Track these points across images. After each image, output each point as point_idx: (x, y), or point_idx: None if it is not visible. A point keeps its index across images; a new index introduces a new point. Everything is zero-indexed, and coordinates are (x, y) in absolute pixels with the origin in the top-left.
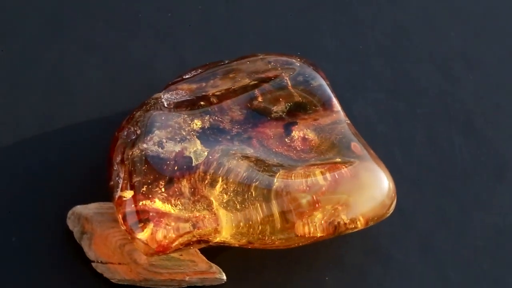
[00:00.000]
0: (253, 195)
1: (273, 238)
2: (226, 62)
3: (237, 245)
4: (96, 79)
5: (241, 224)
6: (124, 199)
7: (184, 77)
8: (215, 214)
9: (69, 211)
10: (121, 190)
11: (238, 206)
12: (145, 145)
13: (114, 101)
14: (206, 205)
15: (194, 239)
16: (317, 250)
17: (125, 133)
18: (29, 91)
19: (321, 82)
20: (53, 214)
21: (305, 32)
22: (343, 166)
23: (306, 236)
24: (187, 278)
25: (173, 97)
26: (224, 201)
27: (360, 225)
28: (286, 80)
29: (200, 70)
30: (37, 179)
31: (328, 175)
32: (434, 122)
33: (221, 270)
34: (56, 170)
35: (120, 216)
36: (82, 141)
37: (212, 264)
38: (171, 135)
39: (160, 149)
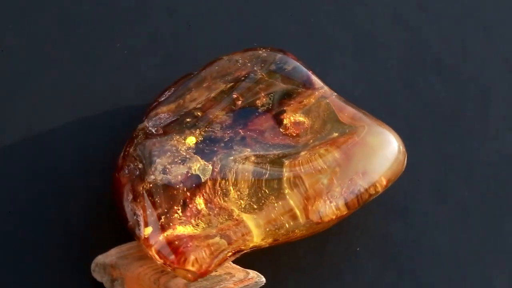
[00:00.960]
0: (267, 192)
1: (296, 231)
2: (195, 73)
3: (266, 246)
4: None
5: (264, 223)
6: (150, 235)
7: (159, 100)
8: (240, 221)
9: (92, 264)
10: (148, 233)
11: (255, 207)
12: (152, 177)
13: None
14: (227, 215)
15: (230, 252)
16: (340, 223)
17: (126, 171)
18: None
19: (294, 64)
20: (75, 269)
21: (256, 23)
22: (346, 138)
23: (331, 219)
24: None
25: (157, 122)
26: (243, 206)
27: (380, 187)
28: (259, 72)
29: (173, 89)
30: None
31: (335, 151)
32: (407, 70)
33: (258, 273)
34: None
35: (154, 253)
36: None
37: (248, 270)
38: (171, 159)
39: (167, 176)
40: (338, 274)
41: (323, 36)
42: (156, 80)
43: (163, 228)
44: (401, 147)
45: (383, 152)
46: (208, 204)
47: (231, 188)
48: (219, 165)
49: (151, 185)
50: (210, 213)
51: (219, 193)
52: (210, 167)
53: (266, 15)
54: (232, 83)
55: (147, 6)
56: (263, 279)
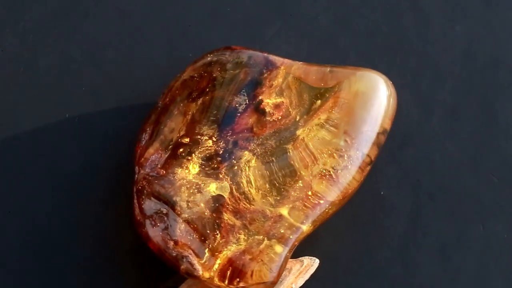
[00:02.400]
0: (281, 180)
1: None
2: (159, 104)
3: (310, 232)
4: None
5: (294, 210)
6: (207, 269)
7: (141, 144)
8: (278, 216)
9: None
10: (203, 268)
11: (279, 198)
12: (184, 215)
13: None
14: (262, 216)
15: (287, 248)
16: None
17: (152, 222)
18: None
19: (247, 53)
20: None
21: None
22: (335, 99)
23: (358, 179)
24: (293, 286)
25: (153, 165)
26: (272, 202)
27: (388, 126)
28: (220, 76)
29: (148, 129)
30: None
31: (334, 113)
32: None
33: (310, 257)
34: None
35: (220, 283)
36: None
37: (301, 258)
38: (189, 191)
39: (193, 209)
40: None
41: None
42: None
43: (215, 258)
44: (388, 82)
45: (376, 93)
46: (237, 215)
47: (252, 191)
48: (229, 178)
49: (187, 223)
50: (244, 222)
51: (241, 199)
52: (225, 182)
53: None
54: (201, 98)
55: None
56: (317, 261)
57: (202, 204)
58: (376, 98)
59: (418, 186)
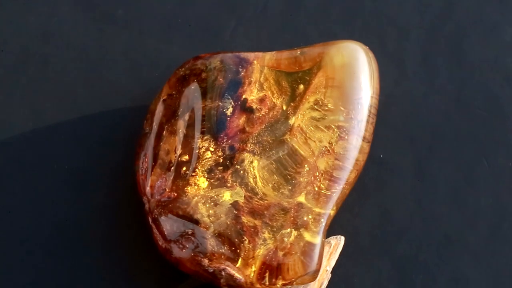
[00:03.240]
0: (288, 170)
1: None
2: (146, 129)
3: (334, 215)
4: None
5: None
6: (247, 277)
7: (140, 173)
8: (297, 204)
9: None
10: (244, 276)
11: (291, 188)
12: (211, 230)
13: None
14: (281, 209)
15: (318, 233)
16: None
17: (180, 245)
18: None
19: (218, 57)
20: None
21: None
22: (320, 79)
23: (368, 144)
24: (328, 268)
25: (161, 190)
26: (287, 193)
27: (377, 89)
28: (198, 87)
29: (142, 156)
30: None
31: (324, 93)
32: None
33: (335, 236)
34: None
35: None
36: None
37: (327, 240)
38: (206, 206)
39: (218, 222)
40: None
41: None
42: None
43: (249, 265)
44: (363, 46)
45: (359, 61)
46: (255, 215)
47: (261, 186)
48: (237, 182)
49: (213, 240)
50: (264, 220)
51: (253, 198)
52: (237, 187)
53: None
54: (188, 114)
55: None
56: (342, 238)
57: (223, 215)
58: (360, 65)
59: (413, 141)
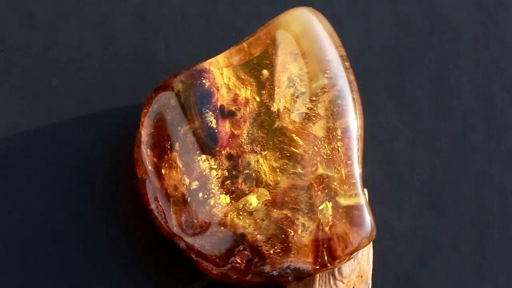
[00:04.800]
0: (293, 150)
1: None
2: (144, 177)
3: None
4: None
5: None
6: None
7: (159, 220)
8: (319, 177)
9: None
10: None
11: (303, 163)
12: (261, 238)
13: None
14: (301, 189)
15: (363, 194)
16: None
17: (236, 264)
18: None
19: (175, 80)
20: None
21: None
22: (280, 58)
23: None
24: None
25: (189, 224)
26: (301, 171)
27: (342, 48)
28: (175, 115)
29: (151, 204)
30: None
31: (288, 68)
32: None
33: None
34: None
35: (331, 265)
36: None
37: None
38: (243, 219)
39: (261, 227)
40: None
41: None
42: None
43: (305, 252)
44: (312, 11)
45: (314, 26)
46: (278, 206)
47: (269, 174)
48: (253, 185)
49: (266, 246)
50: (289, 207)
51: (271, 191)
52: (260, 188)
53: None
54: (177, 143)
55: None
56: (365, 190)
57: (261, 219)
58: (317, 25)
59: (387, 85)
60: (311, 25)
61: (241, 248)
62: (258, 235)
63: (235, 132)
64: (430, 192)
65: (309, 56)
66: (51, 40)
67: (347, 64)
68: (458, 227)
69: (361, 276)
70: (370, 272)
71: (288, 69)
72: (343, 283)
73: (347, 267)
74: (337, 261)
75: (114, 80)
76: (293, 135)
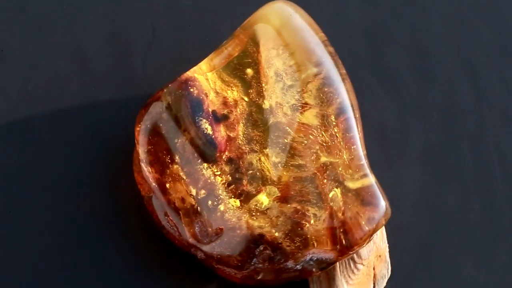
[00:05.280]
0: (292, 143)
1: None
2: (149, 195)
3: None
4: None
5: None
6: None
7: (174, 234)
8: (323, 165)
9: None
10: (329, 252)
11: (302, 155)
12: (279, 235)
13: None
14: (305, 180)
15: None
16: None
17: (259, 265)
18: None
19: (164, 93)
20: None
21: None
22: (264, 54)
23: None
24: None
25: (204, 234)
26: (302, 163)
27: (323, 34)
28: (170, 128)
29: (162, 219)
30: None
31: (274, 64)
32: None
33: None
34: None
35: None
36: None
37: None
38: (257, 220)
39: (277, 224)
40: None
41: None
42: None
43: (324, 241)
44: (287, 2)
45: (291, 17)
46: (288, 200)
47: (272, 171)
48: (260, 184)
49: (285, 241)
50: (296, 200)
51: (276, 186)
52: (267, 187)
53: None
54: (176, 155)
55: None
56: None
57: (276, 217)
58: (296, 16)
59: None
60: (290, 16)
61: (261, 248)
62: (276, 233)
63: (231, 135)
64: (429, 161)
65: (293, 47)
66: (27, 74)
67: (331, 49)
68: (463, 189)
69: (379, 256)
70: (387, 249)
71: (273, 64)
72: (364, 265)
73: (365, 249)
74: (356, 246)
75: (96, 103)
76: (287, 128)
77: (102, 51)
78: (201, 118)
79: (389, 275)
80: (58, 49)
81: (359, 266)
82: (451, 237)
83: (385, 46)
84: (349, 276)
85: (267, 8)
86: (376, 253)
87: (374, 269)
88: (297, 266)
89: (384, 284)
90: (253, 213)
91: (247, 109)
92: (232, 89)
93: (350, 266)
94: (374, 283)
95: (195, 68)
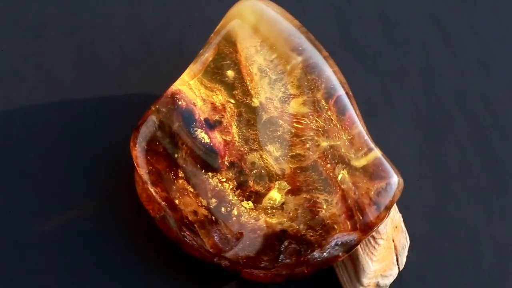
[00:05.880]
0: (289, 135)
1: None
2: (161, 214)
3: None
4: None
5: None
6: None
7: (193, 247)
8: (324, 151)
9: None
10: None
11: (294, 147)
12: (302, 227)
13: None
14: (308, 169)
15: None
16: None
17: (291, 260)
18: None
19: (152, 114)
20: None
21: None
22: (243, 53)
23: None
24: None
25: (224, 240)
26: (299, 153)
27: (297, 22)
28: (167, 144)
29: (177, 235)
30: None
31: (255, 60)
32: None
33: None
34: None
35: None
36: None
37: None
38: (276, 217)
39: (297, 217)
40: None
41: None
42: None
43: (344, 223)
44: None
45: (265, 8)
46: (297, 191)
47: (275, 165)
48: (267, 181)
49: (308, 232)
50: (305, 189)
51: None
52: (277, 183)
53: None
54: (180, 170)
55: None
56: None
57: (298, 209)
58: (269, 12)
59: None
60: (263, 11)
61: (286, 244)
62: (298, 225)
63: (227, 139)
64: (421, 124)
65: (272, 40)
66: (13, 120)
67: (308, 34)
68: (460, 144)
69: (396, 227)
70: (401, 219)
71: (255, 60)
72: (383, 239)
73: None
74: (376, 222)
75: (82, 135)
76: (280, 121)
77: (75, 81)
78: (196, 128)
79: (408, 244)
80: (34, 86)
81: (379, 241)
82: (458, 195)
83: (355, 23)
84: (372, 253)
85: (238, 7)
86: (391, 225)
87: (393, 241)
88: (324, 253)
89: (406, 253)
90: (269, 211)
91: (235, 110)
92: (216, 94)
93: (370, 243)
94: (396, 255)
95: (178, 81)
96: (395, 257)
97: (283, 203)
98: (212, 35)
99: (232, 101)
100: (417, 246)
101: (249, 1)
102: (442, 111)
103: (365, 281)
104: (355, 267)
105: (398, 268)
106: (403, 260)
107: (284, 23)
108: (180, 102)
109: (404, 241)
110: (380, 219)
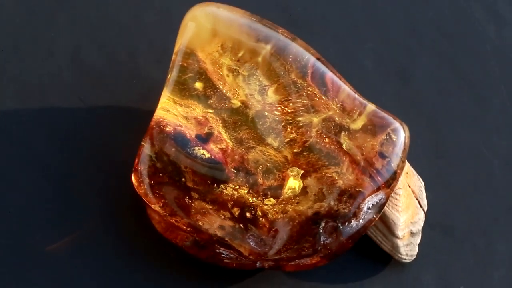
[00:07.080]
0: (267, 126)
1: None
2: (190, 240)
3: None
4: None
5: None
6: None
7: (223, 259)
8: (321, 124)
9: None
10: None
11: (288, 129)
12: (332, 209)
13: None
14: (309, 148)
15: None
16: None
17: (330, 242)
18: None
19: (144, 145)
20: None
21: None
22: (207, 55)
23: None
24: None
25: (261, 243)
26: (293, 137)
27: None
28: (170, 173)
29: (219, 248)
30: None
31: (223, 63)
32: None
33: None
34: None
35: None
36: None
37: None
38: (301, 205)
39: (323, 199)
40: None
41: None
42: None
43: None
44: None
45: (217, 12)
46: (307, 174)
47: (282, 150)
48: (276, 173)
49: (341, 206)
50: (313, 168)
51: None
52: (288, 170)
53: None
54: (193, 193)
55: None
56: None
57: (322, 187)
58: (222, 13)
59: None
60: (217, 13)
61: (323, 224)
62: (327, 203)
63: (222, 147)
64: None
65: (235, 38)
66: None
67: (264, 21)
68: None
69: (407, 173)
70: (408, 164)
71: (222, 63)
72: (401, 188)
73: None
74: (395, 173)
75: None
76: (266, 112)
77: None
78: (193, 148)
79: (423, 185)
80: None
81: (398, 191)
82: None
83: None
84: (396, 205)
85: (190, 17)
86: (402, 171)
87: (409, 186)
88: (360, 221)
89: (424, 194)
90: (293, 200)
91: (217, 118)
92: (193, 109)
93: (391, 196)
94: (417, 199)
95: (156, 110)
96: (416, 201)
97: (304, 188)
98: (173, 55)
99: (210, 110)
100: (431, 184)
101: (198, 9)
102: (431, 71)
103: (399, 233)
104: (386, 224)
105: (423, 210)
106: (424, 202)
107: (240, 18)
108: (167, 129)
109: (418, 183)
110: (400, 167)
